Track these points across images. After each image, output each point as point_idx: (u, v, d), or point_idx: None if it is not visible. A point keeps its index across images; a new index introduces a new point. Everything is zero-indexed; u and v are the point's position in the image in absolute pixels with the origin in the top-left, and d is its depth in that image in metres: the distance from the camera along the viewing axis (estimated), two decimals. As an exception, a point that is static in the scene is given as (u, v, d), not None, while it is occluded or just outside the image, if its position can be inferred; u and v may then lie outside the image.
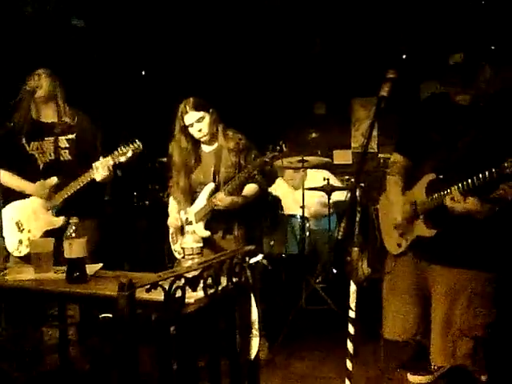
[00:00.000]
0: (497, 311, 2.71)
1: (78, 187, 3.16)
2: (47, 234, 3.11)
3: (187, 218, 3.34)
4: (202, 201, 3.30)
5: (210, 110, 3.32)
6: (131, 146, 3.13)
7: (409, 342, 3.19)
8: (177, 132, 3.37)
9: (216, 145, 3.38)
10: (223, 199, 3.14)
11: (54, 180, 3.19)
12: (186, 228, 2.10)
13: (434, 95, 2.95)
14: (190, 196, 3.39)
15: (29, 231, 3.20)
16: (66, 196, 3.18)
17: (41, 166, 3.25)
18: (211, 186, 3.29)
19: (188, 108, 3.27)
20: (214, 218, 3.29)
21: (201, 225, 3.28)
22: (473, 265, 2.66)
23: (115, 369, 2.16)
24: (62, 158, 3.27)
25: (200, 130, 3.29)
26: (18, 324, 2.62)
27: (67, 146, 3.28)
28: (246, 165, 3.25)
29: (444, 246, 2.71)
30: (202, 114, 3.27)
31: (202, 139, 3.34)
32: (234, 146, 3.31)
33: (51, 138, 3.26)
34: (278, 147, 3.00)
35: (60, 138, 3.27)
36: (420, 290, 2.88)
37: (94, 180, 3.15)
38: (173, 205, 3.50)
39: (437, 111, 2.82)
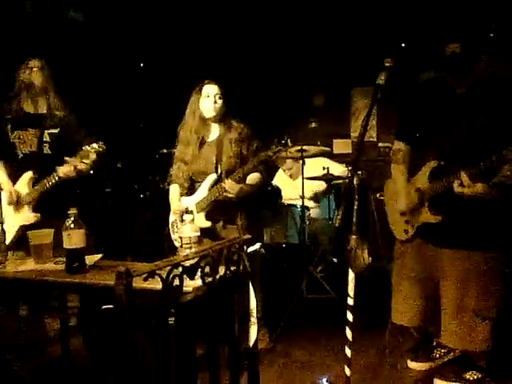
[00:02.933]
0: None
1: (47, 186, 3.19)
2: (23, 228, 3.14)
3: (187, 208, 3.35)
4: (203, 191, 3.29)
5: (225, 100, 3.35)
6: (94, 147, 3.17)
7: (412, 329, 3.22)
8: (193, 103, 3.35)
9: (218, 134, 3.37)
10: (233, 186, 3.13)
11: (28, 175, 3.22)
12: (184, 217, 2.11)
13: (430, 80, 2.96)
14: (190, 185, 3.39)
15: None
16: (39, 192, 3.21)
17: (19, 156, 3.26)
18: (213, 176, 3.28)
19: (211, 81, 3.32)
20: (216, 208, 3.28)
21: (202, 215, 3.28)
22: (483, 246, 2.67)
23: (115, 358, 2.18)
24: (38, 151, 3.28)
25: (215, 102, 3.28)
26: (20, 315, 2.64)
27: (49, 140, 3.30)
28: (248, 155, 3.28)
29: (453, 229, 2.72)
30: (221, 92, 3.30)
31: (210, 114, 3.31)
32: (235, 135, 3.32)
33: (34, 130, 3.28)
34: (283, 141, 3.02)
35: (45, 131, 3.29)
36: (429, 275, 2.88)
37: (60, 178, 3.19)
38: (174, 193, 3.49)
39: (434, 97, 2.82)
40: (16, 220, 3.21)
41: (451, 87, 2.74)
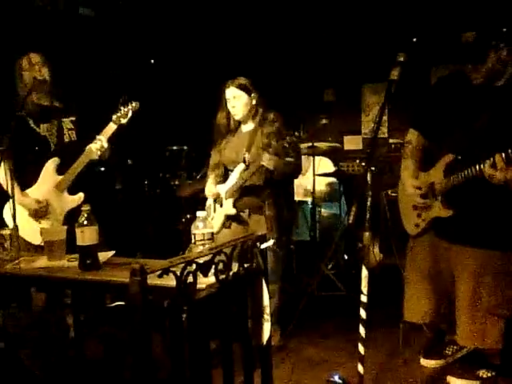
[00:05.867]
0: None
1: (84, 163, 3.23)
2: (68, 215, 3.22)
3: (219, 194, 3.47)
4: (233, 179, 3.39)
5: (252, 94, 3.40)
6: (130, 105, 3.26)
7: (424, 326, 3.20)
8: (223, 102, 3.46)
9: (253, 126, 3.45)
10: (267, 158, 3.15)
11: (54, 162, 3.27)
12: (197, 214, 2.11)
13: (450, 74, 2.92)
14: (224, 174, 3.54)
15: (47, 218, 3.25)
16: (75, 174, 3.25)
17: (52, 148, 3.31)
18: (241, 166, 3.36)
19: (230, 83, 3.40)
20: (243, 197, 3.37)
21: (230, 202, 3.37)
22: (497, 244, 2.65)
23: (129, 355, 2.18)
24: (67, 139, 3.36)
25: (234, 107, 3.39)
26: (33, 312, 2.65)
27: (72, 127, 3.38)
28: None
29: (467, 226, 2.70)
30: (240, 93, 3.37)
31: (234, 116, 3.43)
32: (270, 129, 3.36)
33: (56, 121, 3.34)
34: (297, 133, 3.08)
35: (64, 119, 3.36)
36: (441, 271, 2.87)
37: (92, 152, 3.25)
38: (210, 180, 3.60)
39: (453, 90, 2.79)
40: (57, 211, 3.26)
41: (469, 79, 2.71)
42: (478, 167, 2.52)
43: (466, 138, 2.66)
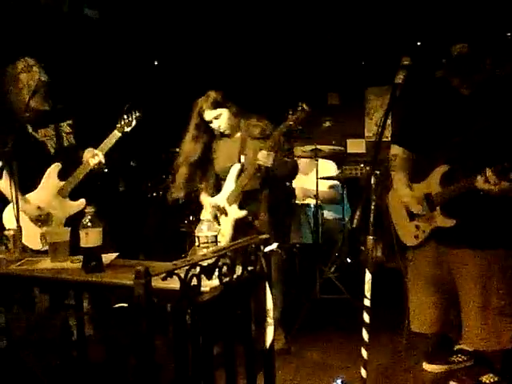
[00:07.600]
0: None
1: (84, 173, 3.23)
2: (68, 220, 3.19)
3: (218, 205, 3.37)
4: (230, 184, 3.33)
5: (228, 105, 3.35)
6: (134, 114, 3.25)
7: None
8: (192, 129, 3.40)
9: (239, 134, 3.41)
10: (266, 156, 3.12)
11: (56, 167, 3.24)
12: (201, 216, 2.11)
13: (432, 81, 2.91)
14: (216, 184, 3.46)
15: (49, 224, 3.21)
16: (77, 181, 3.24)
17: (52, 152, 3.30)
18: (237, 166, 3.32)
19: (205, 106, 3.32)
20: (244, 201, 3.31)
21: (235, 207, 3.30)
22: (500, 243, 2.65)
23: (132, 358, 2.18)
24: (66, 144, 3.35)
25: (219, 126, 3.35)
26: (36, 313, 2.65)
27: (70, 130, 3.37)
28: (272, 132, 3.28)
29: (469, 230, 2.68)
30: (219, 111, 3.32)
31: (224, 132, 3.39)
32: (259, 132, 3.33)
33: (53, 126, 3.32)
34: (300, 107, 3.04)
35: (61, 123, 3.35)
36: (446, 278, 2.84)
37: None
38: (203, 193, 3.52)
39: (438, 99, 2.78)
40: (59, 216, 3.22)
41: (456, 88, 2.70)
42: (471, 182, 2.54)
43: (460, 148, 2.65)
